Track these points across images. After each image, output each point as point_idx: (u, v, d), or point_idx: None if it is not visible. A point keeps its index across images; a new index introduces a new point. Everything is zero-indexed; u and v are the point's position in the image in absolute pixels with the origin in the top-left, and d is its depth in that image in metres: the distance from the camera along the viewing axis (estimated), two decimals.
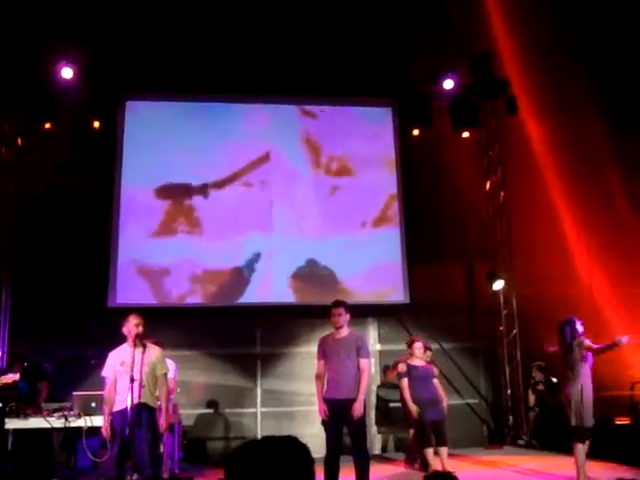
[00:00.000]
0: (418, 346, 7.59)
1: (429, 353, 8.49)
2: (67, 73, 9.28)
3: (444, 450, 7.30)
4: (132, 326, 5.62)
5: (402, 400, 7.83)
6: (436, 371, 8.02)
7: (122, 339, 5.78)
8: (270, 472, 1.73)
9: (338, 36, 10.35)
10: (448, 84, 10.24)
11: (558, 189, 10.67)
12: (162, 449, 6.73)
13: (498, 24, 10.75)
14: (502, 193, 10.77)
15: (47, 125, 9.58)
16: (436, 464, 7.23)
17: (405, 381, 7.40)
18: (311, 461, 1.80)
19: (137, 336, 5.60)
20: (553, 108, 10.88)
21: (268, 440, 1.83)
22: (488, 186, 10.97)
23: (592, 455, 6.83)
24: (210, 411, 9.78)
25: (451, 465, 7.57)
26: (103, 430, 5.56)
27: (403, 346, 9.76)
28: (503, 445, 9.80)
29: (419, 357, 7.58)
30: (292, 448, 1.80)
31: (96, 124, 9.94)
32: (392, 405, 9.78)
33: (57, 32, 9.27)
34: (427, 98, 10.56)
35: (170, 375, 7.12)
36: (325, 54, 10.32)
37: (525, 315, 10.15)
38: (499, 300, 10.54)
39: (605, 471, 6.93)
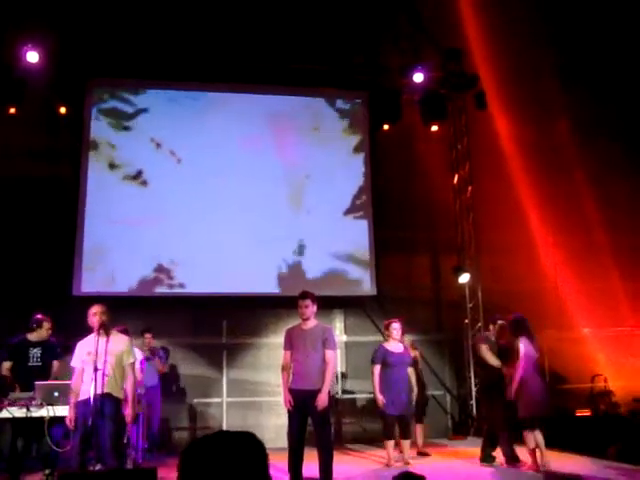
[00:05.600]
0: (395, 327, 7.44)
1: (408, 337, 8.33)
2: (32, 57, 9.09)
3: (406, 443, 7.38)
4: (91, 315, 5.60)
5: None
6: (415, 355, 8.12)
7: (87, 328, 5.73)
8: (223, 467, 1.73)
9: (311, 28, 10.34)
10: (418, 78, 10.26)
11: (525, 185, 10.82)
12: (126, 439, 6.68)
13: (469, 20, 10.83)
14: (470, 188, 10.86)
15: (12, 110, 9.39)
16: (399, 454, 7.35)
17: (377, 368, 7.30)
18: (265, 456, 1.80)
19: (100, 326, 5.55)
20: (522, 106, 11.01)
21: (222, 435, 1.82)
22: (456, 180, 11.05)
23: (553, 446, 6.98)
24: (176, 401, 9.72)
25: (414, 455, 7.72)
26: (67, 420, 5.51)
27: (369, 337, 9.90)
28: (467, 436, 9.92)
29: (397, 339, 7.45)
30: (246, 443, 1.80)
31: (62, 110, 9.78)
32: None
33: (24, 15, 9.09)
34: (397, 92, 10.59)
35: (137, 365, 7.08)
36: (297, 45, 10.30)
37: (490, 308, 10.24)
38: (465, 293, 10.64)
39: (566, 461, 7.08)
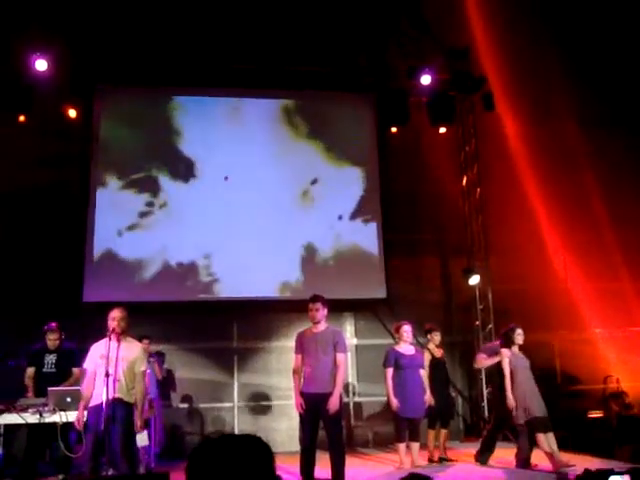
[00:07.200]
0: (406, 329, 7.43)
1: (437, 334, 8.14)
2: (41, 65, 9.14)
3: (416, 445, 7.35)
4: (109, 319, 5.63)
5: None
6: (442, 354, 8.11)
7: (99, 333, 5.76)
8: (230, 470, 1.73)
9: (317, 31, 10.34)
10: (425, 80, 10.26)
11: (534, 186, 10.78)
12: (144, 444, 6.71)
13: (475, 20, 10.82)
14: (478, 189, 10.84)
15: (21, 117, 9.44)
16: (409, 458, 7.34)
17: (390, 371, 7.30)
18: (271, 459, 1.81)
19: (113, 330, 5.58)
20: (529, 106, 10.99)
21: (228, 438, 1.83)
22: (464, 182, 11.04)
23: (567, 447, 6.97)
24: (188, 406, 9.75)
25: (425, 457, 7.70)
26: (76, 422, 5.54)
27: (380, 340, 9.88)
28: (479, 438, 9.86)
29: (407, 341, 7.45)
30: (252, 446, 1.81)
31: (72, 113, 9.81)
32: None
33: (32, 23, 9.15)
34: (404, 93, 10.59)
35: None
36: (304, 49, 10.31)
37: (501, 310, 10.23)
38: (475, 295, 10.62)
39: (579, 463, 7.04)
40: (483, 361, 7.55)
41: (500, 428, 7.77)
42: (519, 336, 7.20)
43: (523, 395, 6.93)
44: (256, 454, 1.79)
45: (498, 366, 7.32)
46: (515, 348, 7.20)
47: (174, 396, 9.67)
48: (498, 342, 7.61)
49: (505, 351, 7.14)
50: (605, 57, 11.15)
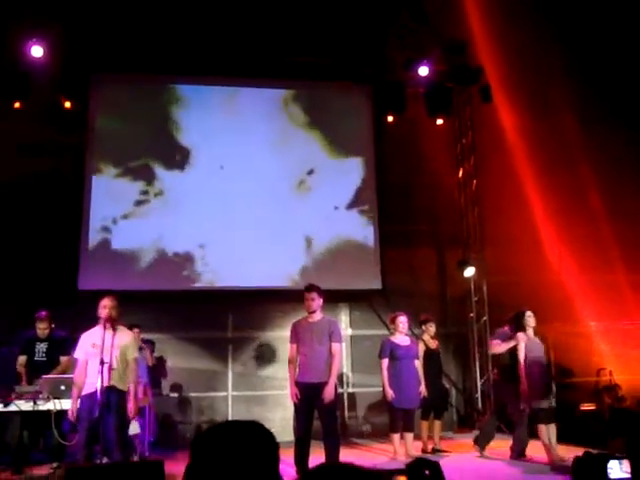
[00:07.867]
0: (402, 320, 7.46)
1: (432, 325, 8.13)
2: (37, 51, 9.05)
3: (410, 436, 7.38)
4: (100, 308, 5.61)
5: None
6: (437, 346, 8.08)
7: (94, 321, 5.74)
8: (234, 456, 1.73)
9: (314, 21, 10.29)
10: (423, 71, 10.22)
11: (530, 178, 10.78)
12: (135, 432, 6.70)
13: (473, 12, 10.78)
14: (475, 181, 10.84)
15: (17, 104, 9.36)
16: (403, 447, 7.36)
17: (385, 362, 7.32)
18: (275, 446, 1.80)
19: (107, 319, 5.56)
20: (526, 98, 10.97)
21: (233, 424, 1.83)
22: (461, 174, 11.03)
23: (559, 439, 6.98)
24: (178, 395, 9.75)
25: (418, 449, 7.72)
26: (69, 413, 5.53)
27: (374, 331, 9.89)
28: (472, 429, 9.91)
29: (403, 332, 7.47)
30: (256, 432, 1.80)
31: (67, 104, 9.75)
32: None
33: (28, 9, 9.07)
34: (401, 85, 10.55)
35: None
36: (301, 39, 10.25)
37: (495, 302, 10.23)
38: (470, 287, 10.63)
39: (571, 454, 7.06)
40: (498, 347, 7.30)
41: (501, 415, 7.73)
42: (530, 318, 6.99)
43: (535, 382, 6.81)
44: (260, 440, 1.79)
45: (509, 351, 7.19)
46: (530, 332, 7.03)
47: (165, 385, 9.66)
48: (507, 328, 7.45)
49: (521, 335, 6.91)
50: (604, 50, 11.13)
